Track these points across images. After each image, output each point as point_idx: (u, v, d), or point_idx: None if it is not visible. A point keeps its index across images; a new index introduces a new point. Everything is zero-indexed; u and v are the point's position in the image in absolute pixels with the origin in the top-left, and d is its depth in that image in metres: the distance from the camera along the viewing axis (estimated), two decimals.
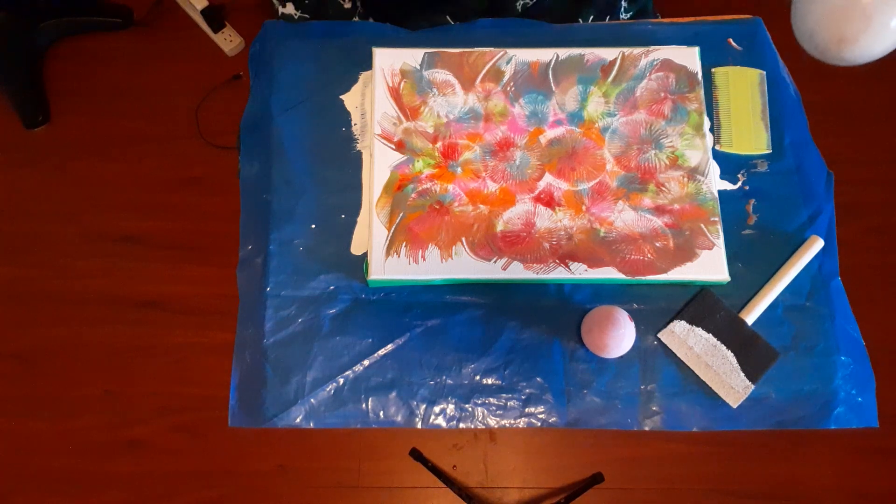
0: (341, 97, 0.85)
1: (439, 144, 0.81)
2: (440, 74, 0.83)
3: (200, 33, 1.58)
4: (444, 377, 0.75)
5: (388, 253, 0.75)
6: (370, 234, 0.76)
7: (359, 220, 0.80)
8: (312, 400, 0.74)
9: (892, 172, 1.48)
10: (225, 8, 1.58)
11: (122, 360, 1.34)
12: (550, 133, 0.82)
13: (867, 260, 1.42)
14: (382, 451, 1.30)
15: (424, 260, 0.76)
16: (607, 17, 0.97)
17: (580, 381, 0.75)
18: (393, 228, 0.77)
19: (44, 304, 1.38)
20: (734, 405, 0.73)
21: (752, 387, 0.73)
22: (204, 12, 1.49)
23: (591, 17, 0.95)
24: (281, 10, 0.99)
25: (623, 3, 1.01)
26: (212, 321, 1.36)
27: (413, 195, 0.78)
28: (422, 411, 0.74)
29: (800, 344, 0.76)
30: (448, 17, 0.88)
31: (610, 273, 0.76)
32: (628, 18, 1.02)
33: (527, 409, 0.74)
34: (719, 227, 0.77)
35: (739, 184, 0.82)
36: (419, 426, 0.74)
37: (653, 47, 0.85)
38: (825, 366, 0.75)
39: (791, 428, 0.73)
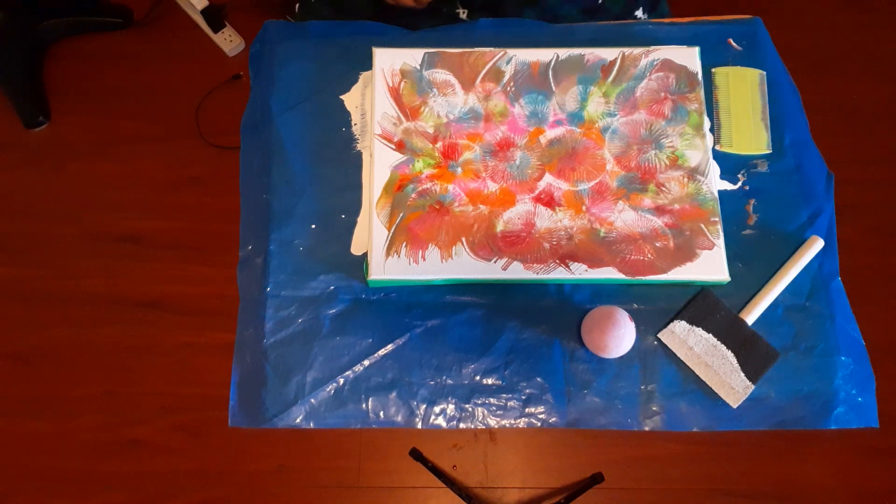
0: (341, 97, 0.85)
1: (439, 144, 0.81)
2: (440, 74, 0.83)
3: (200, 33, 1.58)
4: (444, 377, 0.75)
5: (388, 253, 0.75)
6: (370, 234, 0.76)
7: (359, 220, 0.80)
8: (312, 400, 0.74)
9: (892, 172, 1.48)
10: (225, 8, 1.58)
11: (122, 360, 1.34)
12: (550, 133, 0.81)
13: (867, 260, 1.41)
14: (382, 451, 1.30)
15: (424, 260, 0.75)
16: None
17: (580, 382, 0.75)
18: (393, 228, 0.77)
19: (44, 304, 1.38)
20: (734, 405, 0.73)
21: (753, 387, 0.73)
22: (204, 12, 1.49)
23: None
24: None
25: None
26: (212, 321, 1.36)
27: (413, 195, 0.78)
28: (422, 411, 0.74)
29: (800, 344, 0.76)
30: (459, 10, 0.87)
31: (610, 273, 0.75)
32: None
33: (527, 409, 0.74)
34: (719, 227, 0.77)
35: (739, 184, 0.82)
36: (419, 426, 0.74)
37: (653, 47, 0.85)
38: (825, 366, 0.75)
39: (791, 428, 0.73)
